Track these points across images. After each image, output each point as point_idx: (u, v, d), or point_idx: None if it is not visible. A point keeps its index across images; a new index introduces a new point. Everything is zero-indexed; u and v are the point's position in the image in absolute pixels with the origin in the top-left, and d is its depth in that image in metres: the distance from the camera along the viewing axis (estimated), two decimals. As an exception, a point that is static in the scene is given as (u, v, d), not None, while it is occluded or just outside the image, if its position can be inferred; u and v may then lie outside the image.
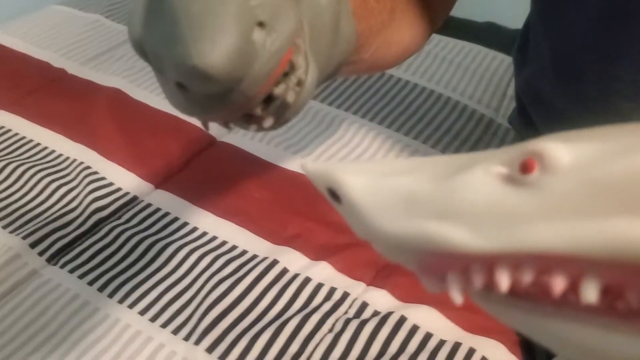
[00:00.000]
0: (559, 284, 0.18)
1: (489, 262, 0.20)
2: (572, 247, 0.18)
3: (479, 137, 0.85)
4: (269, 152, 0.80)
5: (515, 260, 0.19)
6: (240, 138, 0.83)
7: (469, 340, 0.58)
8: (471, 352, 0.57)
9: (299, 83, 0.33)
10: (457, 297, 0.21)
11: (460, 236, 0.20)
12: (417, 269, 0.23)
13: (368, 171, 0.23)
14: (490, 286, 0.20)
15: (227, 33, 0.28)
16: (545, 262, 0.19)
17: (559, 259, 0.18)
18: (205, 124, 0.37)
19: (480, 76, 0.95)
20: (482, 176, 0.21)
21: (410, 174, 0.22)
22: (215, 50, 0.27)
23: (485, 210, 0.20)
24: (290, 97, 0.32)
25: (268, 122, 0.33)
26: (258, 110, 0.32)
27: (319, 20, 0.34)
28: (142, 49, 0.32)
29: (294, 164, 0.78)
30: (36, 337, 0.58)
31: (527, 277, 0.19)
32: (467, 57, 0.99)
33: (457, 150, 0.82)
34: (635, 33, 0.51)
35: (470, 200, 0.20)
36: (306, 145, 0.82)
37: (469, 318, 0.61)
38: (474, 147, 0.83)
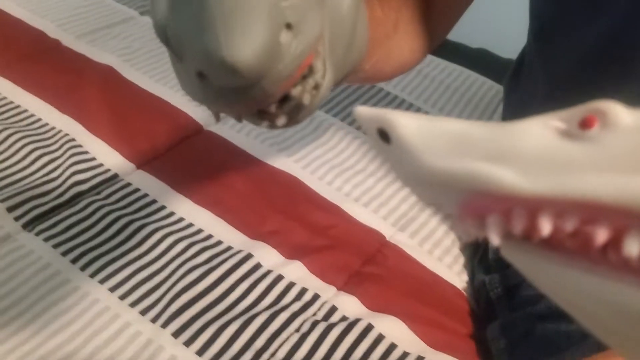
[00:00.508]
0: (601, 234, 0.19)
1: (533, 207, 0.20)
2: (622, 198, 0.18)
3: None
4: (255, 147, 0.81)
5: (560, 207, 0.19)
6: (228, 130, 0.83)
7: (431, 355, 0.59)
8: (432, 366, 0.58)
9: (316, 86, 0.34)
10: (495, 240, 0.21)
11: (509, 177, 0.20)
12: (456, 210, 0.23)
13: (421, 117, 0.24)
14: (528, 233, 0.21)
15: (259, 30, 0.28)
16: (590, 212, 0.19)
17: (605, 210, 0.18)
18: (217, 115, 0.37)
19: (468, 100, 0.97)
20: (538, 127, 0.21)
21: (463, 122, 0.23)
22: (246, 45, 0.28)
23: (538, 157, 0.20)
24: (306, 100, 0.33)
25: (281, 120, 0.34)
26: (273, 108, 0.33)
27: (339, 27, 0.35)
28: (164, 33, 0.32)
29: (278, 162, 0.79)
30: (2, 300, 0.58)
31: (569, 225, 0.19)
32: (457, 80, 1.01)
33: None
34: (632, 67, 0.53)
35: (524, 146, 0.21)
36: (291, 145, 0.82)
37: (433, 334, 0.62)
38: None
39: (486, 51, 1.10)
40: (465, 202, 0.22)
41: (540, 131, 0.21)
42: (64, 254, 0.63)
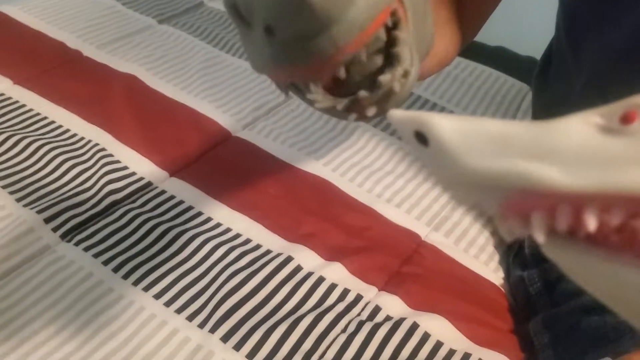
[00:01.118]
0: None
1: (578, 203, 0.20)
2: None
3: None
4: (283, 151, 0.81)
5: (605, 202, 0.20)
6: (255, 135, 0.83)
7: (477, 352, 0.59)
8: (480, 363, 0.58)
9: (405, 74, 0.33)
10: (540, 237, 0.22)
11: (553, 174, 0.20)
12: (499, 210, 0.23)
13: (457, 118, 0.24)
14: (573, 230, 0.21)
15: None
16: (636, 206, 0.19)
17: None
18: (286, 89, 0.37)
19: (491, 98, 0.97)
20: (579, 124, 0.21)
21: (502, 122, 0.23)
22: None
23: (581, 153, 0.20)
24: (397, 87, 0.33)
25: (371, 110, 0.34)
26: (362, 92, 0.33)
27: (418, 14, 0.35)
28: (233, 5, 0.32)
29: (308, 165, 0.79)
30: (47, 312, 0.58)
31: (615, 220, 0.19)
32: (479, 79, 1.01)
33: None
34: None
35: (566, 143, 0.21)
36: (319, 148, 0.82)
37: (477, 331, 0.62)
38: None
39: (504, 49, 1.10)
40: (509, 201, 0.22)
41: (581, 128, 0.21)
42: (105, 263, 0.63)
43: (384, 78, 0.33)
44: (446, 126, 0.23)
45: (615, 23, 0.58)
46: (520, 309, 0.68)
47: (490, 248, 0.74)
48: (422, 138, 0.24)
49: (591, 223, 0.20)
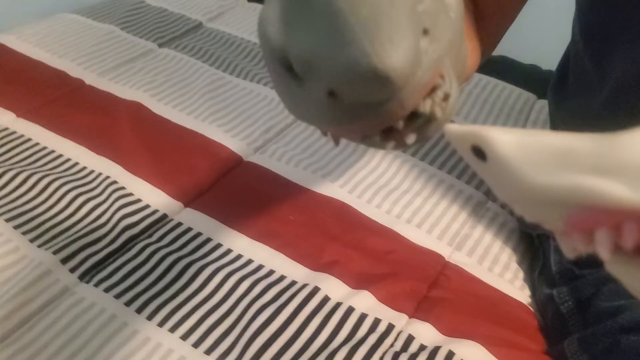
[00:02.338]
0: None
1: None
2: None
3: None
4: (297, 174, 0.79)
5: None
6: (267, 159, 0.82)
7: (514, 376, 0.58)
8: (520, 389, 0.57)
9: (445, 97, 0.32)
10: (605, 254, 0.21)
11: (619, 190, 0.20)
12: (563, 226, 0.22)
13: (516, 131, 0.23)
14: (639, 246, 0.20)
15: (404, 36, 0.27)
16: None
17: None
18: (337, 140, 0.36)
19: (500, 109, 0.96)
20: None
21: (563, 135, 0.22)
22: (395, 51, 0.27)
23: None
24: (438, 112, 0.32)
25: (411, 138, 0.33)
26: (401, 125, 0.32)
27: (456, 34, 0.34)
28: (283, 58, 0.31)
29: (324, 188, 0.77)
30: (74, 358, 0.56)
31: None
32: (485, 90, 1.00)
33: (480, 181, 0.82)
34: None
35: (632, 158, 0.20)
36: (333, 170, 0.81)
37: (511, 354, 0.61)
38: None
39: (508, 58, 1.10)
40: (573, 217, 0.22)
41: None
42: (128, 303, 0.61)
43: (424, 105, 0.32)
44: (505, 141, 0.23)
45: None
46: (551, 328, 0.67)
47: (514, 265, 0.73)
48: (479, 153, 0.24)
49: None
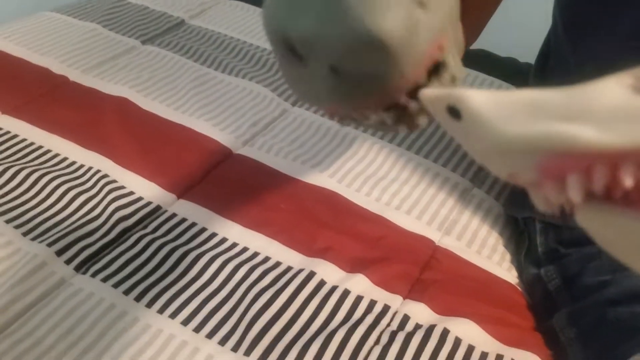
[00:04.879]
0: None
1: (614, 162, 0.20)
2: None
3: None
4: (286, 165, 0.80)
5: None
6: (256, 151, 0.83)
7: (508, 352, 0.60)
8: (514, 363, 0.58)
9: (452, 80, 0.34)
10: (576, 196, 0.22)
11: (588, 133, 0.20)
12: (536, 175, 0.23)
13: (491, 91, 0.24)
14: (609, 192, 0.21)
15: (398, 4, 0.29)
16: None
17: None
18: (343, 119, 0.37)
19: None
20: (612, 85, 0.21)
21: (533, 90, 0.23)
22: (390, 18, 0.29)
23: (615, 112, 0.20)
24: None
25: (423, 119, 0.34)
26: (414, 105, 0.33)
27: (454, 18, 0.35)
28: (285, 40, 0.32)
29: (313, 178, 0.79)
30: (75, 347, 0.56)
31: None
32: (466, 82, 1.02)
33: (467, 165, 0.84)
34: None
35: (600, 104, 0.21)
36: (322, 160, 0.82)
37: (504, 331, 0.62)
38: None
39: (486, 52, 1.12)
40: (545, 165, 0.22)
41: (615, 89, 0.21)
42: (126, 292, 0.61)
43: (433, 86, 0.33)
44: (479, 97, 0.24)
45: (617, 18, 0.60)
46: (539, 306, 0.69)
47: (501, 248, 0.75)
48: (455, 112, 0.25)
49: (628, 180, 0.20)
